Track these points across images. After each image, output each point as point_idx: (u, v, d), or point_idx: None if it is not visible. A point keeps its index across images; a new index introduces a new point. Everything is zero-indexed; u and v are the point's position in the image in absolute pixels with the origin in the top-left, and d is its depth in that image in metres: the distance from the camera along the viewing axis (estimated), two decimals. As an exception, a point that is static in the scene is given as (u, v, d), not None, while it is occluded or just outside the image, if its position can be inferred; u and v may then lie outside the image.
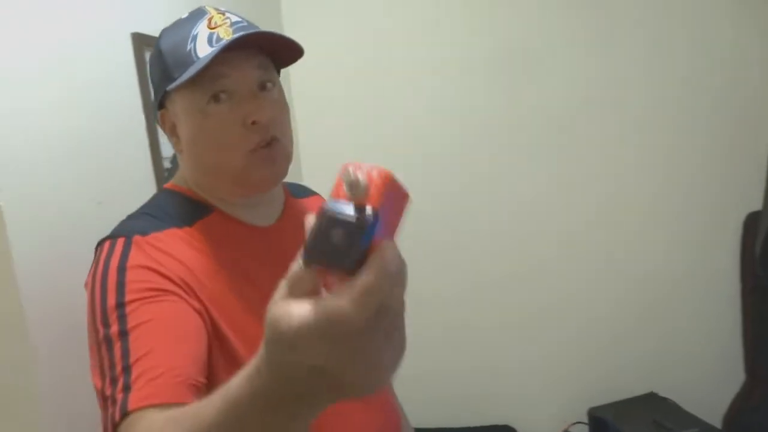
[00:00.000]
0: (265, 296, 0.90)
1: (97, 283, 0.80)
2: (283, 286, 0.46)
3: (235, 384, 0.49)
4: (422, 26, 1.96)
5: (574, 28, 1.89)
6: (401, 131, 2.00)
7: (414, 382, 1.85)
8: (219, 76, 0.84)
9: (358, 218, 0.42)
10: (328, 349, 0.41)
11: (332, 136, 2.02)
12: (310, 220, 0.44)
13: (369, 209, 0.43)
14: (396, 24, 1.97)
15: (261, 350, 0.46)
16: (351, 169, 0.44)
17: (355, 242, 0.42)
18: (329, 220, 0.43)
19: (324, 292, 0.45)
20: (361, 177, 0.43)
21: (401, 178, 0.47)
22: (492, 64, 1.92)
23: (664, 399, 1.87)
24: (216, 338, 0.81)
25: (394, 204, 0.45)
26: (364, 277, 0.41)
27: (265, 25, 0.86)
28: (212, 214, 0.91)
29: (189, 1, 1.09)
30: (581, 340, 2.01)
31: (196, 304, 0.80)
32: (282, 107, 0.91)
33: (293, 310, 0.43)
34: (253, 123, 0.85)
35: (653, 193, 1.92)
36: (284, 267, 0.47)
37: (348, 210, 0.43)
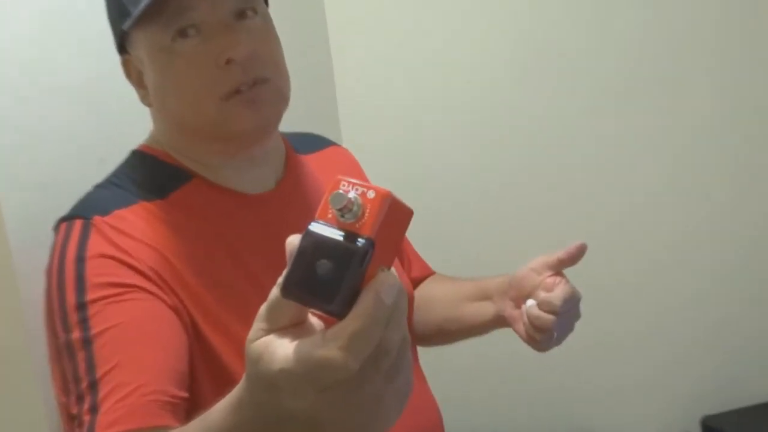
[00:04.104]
0: (258, 285, 0.77)
1: (53, 277, 0.71)
2: (262, 316, 0.41)
3: (216, 414, 0.46)
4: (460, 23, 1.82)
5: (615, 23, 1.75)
6: (442, 127, 1.86)
7: (491, 379, 1.74)
8: (185, 7, 0.72)
9: (348, 248, 0.38)
10: (314, 396, 0.38)
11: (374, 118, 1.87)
12: (293, 244, 0.39)
13: (363, 238, 0.38)
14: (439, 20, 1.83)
15: (243, 382, 0.43)
16: (343, 188, 0.38)
17: (343, 276, 0.38)
18: (314, 249, 0.39)
19: (310, 320, 0.41)
20: (355, 198, 0.38)
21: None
22: (527, 63, 1.78)
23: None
24: (196, 339, 0.72)
25: (392, 226, 0.40)
26: (355, 321, 0.37)
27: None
28: (191, 181, 0.81)
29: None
30: (690, 333, 1.77)
31: (172, 300, 0.71)
32: (268, 39, 0.78)
33: (275, 350, 0.39)
34: (228, 61, 0.73)
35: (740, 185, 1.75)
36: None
37: (338, 237, 0.38)
